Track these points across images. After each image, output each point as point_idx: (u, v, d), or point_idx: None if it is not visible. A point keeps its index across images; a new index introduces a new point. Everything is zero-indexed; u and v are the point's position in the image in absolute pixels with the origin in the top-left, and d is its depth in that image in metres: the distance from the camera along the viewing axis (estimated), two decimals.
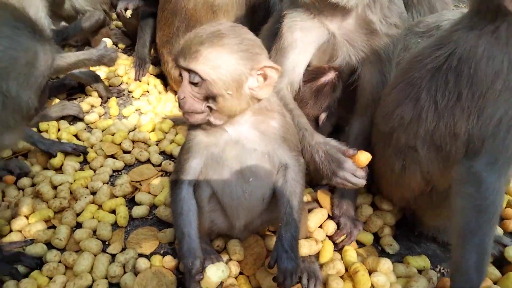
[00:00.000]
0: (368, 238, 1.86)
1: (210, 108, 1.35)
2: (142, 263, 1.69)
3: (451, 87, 1.40)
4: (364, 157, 1.49)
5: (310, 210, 1.89)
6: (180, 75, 1.35)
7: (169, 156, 2.39)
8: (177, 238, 1.48)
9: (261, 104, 1.41)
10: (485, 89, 1.33)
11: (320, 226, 1.87)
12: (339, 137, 1.76)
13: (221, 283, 1.49)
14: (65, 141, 2.35)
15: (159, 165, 2.32)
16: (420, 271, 1.73)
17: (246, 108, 1.38)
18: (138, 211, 1.99)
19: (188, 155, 1.49)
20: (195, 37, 1.29)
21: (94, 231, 1.87)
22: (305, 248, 1.67)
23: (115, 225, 1.94)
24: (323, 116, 1.94)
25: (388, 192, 1.89)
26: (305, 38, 1.74)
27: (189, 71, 1.30)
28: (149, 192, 2.11)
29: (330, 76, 1.83)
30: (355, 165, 1.50)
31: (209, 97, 1.32)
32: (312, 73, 1.84)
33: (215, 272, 1.27)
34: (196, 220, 1.51)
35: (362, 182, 1.50)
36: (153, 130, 2.56)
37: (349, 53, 1.75)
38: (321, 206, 1.95)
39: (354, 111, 1.93)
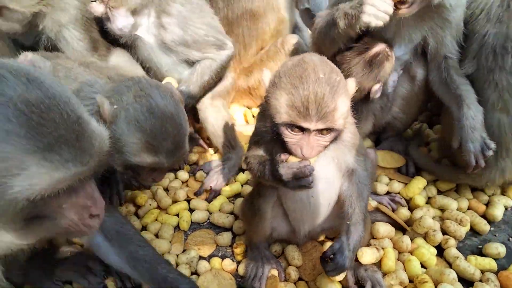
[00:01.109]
0: (430, 251, 1.79)
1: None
2: (203, 265, 1.73)
3: None
4: None
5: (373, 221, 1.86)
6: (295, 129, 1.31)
7: None
8: (259, 171, 1.45)
9: None
10: None
11: None
12: None
13: None
14: None
15: None
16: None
17: None
18: (198, 215, 2.02)
19: (257, 150, 1.49)
20: (317, 96, 1.22)
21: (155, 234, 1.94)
22: (368, 255, 1.63)
23: (175, 228, 2.00)
24: (376, 86, 1.96)
25: None
26: None
27: (323, 129, 1.29)
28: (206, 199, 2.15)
29: (382, 46, 1.88)
30: None
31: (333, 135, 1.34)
32: (363, 45, 1.92)
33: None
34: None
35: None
36: None
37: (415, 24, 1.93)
38: (383, 213, 1.92)
39: (430, 71, 2.07)
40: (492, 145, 1.78)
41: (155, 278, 1.45)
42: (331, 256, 1.40)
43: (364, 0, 1.67)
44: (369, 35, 1.93)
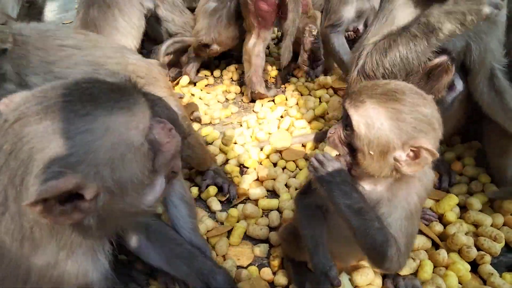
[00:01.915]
0: (465, 267, 1.80)
1: (350, 156, 1.31)
2: (243, 274, 1.84)
3: None
4: None
5: None
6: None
7: None
8: (309, 246, 1.48)
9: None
10: None
11: None
12: None
13: None
14: None
15: None
16: None
17: (388, 175, 1.27)
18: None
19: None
20: (372, 86, 1.27)
21: None
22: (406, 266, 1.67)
23: None
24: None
25: None
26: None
27: (348, 115, 1.28)
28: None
29: (444, 57, 1.80)
30: None
31: (352, 147, 1.29)
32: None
33: (347, 282, 1.33)
34: (324, 234, 1.50)
35: None
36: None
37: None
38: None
39: (476, 84, 1.98)
40: None
41: (191, 273, 1.59)
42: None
43: None
44: None
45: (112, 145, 0.99)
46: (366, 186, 1.33)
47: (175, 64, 3.67)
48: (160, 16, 3.32)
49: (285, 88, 3.46)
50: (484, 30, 1.84)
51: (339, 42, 3.14)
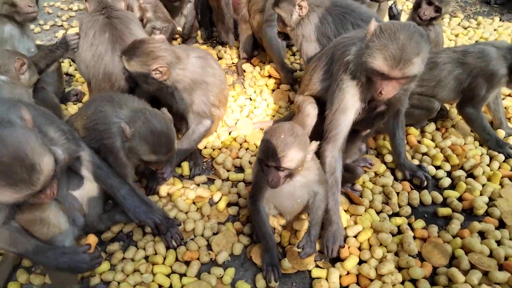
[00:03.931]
0: (372, 215, 2.68)
1: None
2: (222, 228, 2.63)
3: None
4: None
5: None
6: None
7: None
8: (266, 241, 2.40)
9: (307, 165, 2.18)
10: None
11: None
12: None
13: None
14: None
15: None
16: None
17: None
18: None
19: (260, 189, 2.36)
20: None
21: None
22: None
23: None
24: (367, 131, 2.78)
25: None
26: (356, 104, 2.49)
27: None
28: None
29: (383, 107, 2.62)
30: None
31: None
32: (371, 107, 2.61)
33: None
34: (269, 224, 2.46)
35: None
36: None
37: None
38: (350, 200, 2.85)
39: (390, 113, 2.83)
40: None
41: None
42: (302, 246, 2.27)
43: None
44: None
45: None
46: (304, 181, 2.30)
47: None
48: (148, 18, 4.02)
49: (243, 78, 4.16)
50: (401, 92, 2.59)
51: (272, 34, 3.77)
